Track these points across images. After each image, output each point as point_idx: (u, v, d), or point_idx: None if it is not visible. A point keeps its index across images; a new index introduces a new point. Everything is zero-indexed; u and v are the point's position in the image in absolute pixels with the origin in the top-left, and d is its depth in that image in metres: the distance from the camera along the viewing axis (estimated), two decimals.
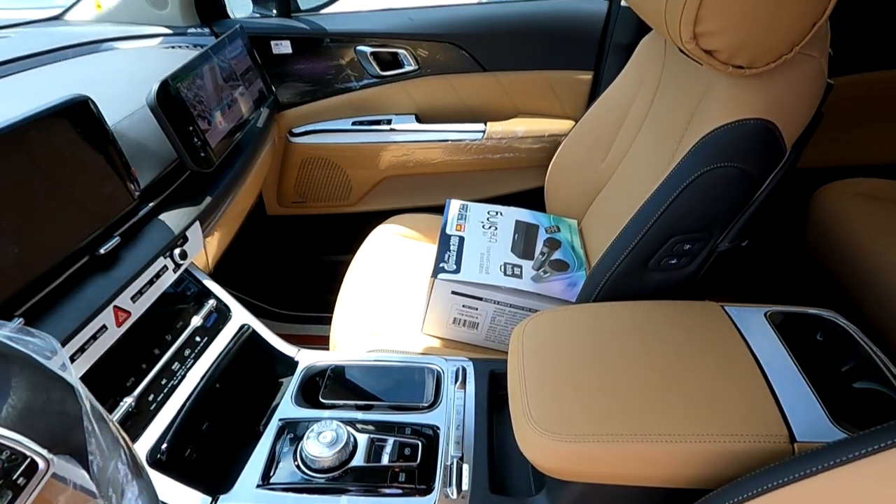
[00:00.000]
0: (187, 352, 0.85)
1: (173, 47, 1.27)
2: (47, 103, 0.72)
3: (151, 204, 0.88)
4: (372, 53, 1.41)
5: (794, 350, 0.76)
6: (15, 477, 0.39)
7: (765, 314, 0.82)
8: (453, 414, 0.85)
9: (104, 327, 0.72)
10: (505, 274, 1.06)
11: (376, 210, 1.55)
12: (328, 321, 1.17)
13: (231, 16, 1.44)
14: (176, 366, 0.83)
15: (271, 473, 0.77)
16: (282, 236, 1.65)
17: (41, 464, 0.41)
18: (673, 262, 0.87)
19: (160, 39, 1.28)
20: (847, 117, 1.42)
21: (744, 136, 0.77)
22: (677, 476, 0.65)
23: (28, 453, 0.40)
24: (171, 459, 0.76)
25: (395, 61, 1.43)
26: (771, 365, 0.72)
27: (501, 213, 1.25)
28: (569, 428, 0.66)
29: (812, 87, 0.78)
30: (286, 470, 0.77)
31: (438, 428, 0.83)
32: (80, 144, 0.76)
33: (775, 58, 0.74)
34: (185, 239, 0.89)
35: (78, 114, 0.76)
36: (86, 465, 0.43)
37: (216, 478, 0.77)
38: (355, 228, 1.48)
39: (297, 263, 1.68)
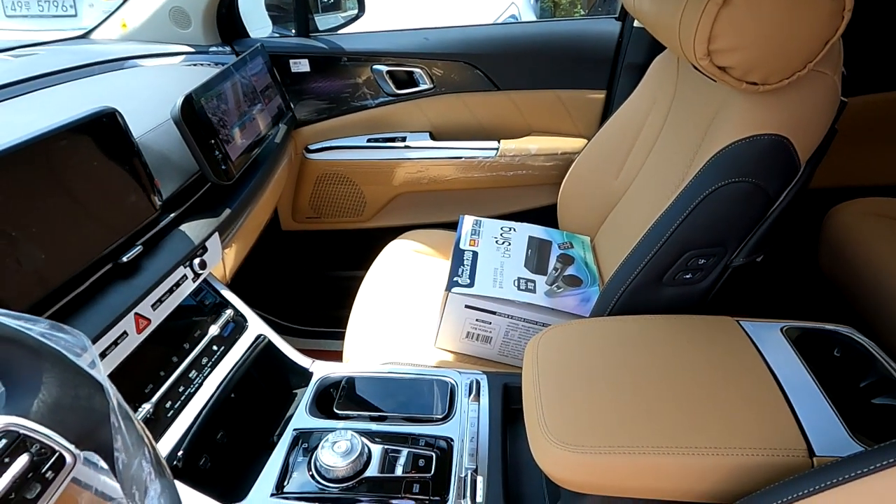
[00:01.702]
0: (204, 360, 0.86)
1: (195, 65, 1.30)
2: (77, 115, 0.74)
3: (173, 215, 0.90)
4: (388, 72, 1.43)
5: (811, 365, 0.75)
6: (43, 470, 0.40)
7: (781, 329, 0.81)
8: (467, 426, 0.85)
9: (125, 333, 0.73)
10: (518, 288, 1.07)
11: (390, 226, 1.57)
12: (341, 336, 1.18)
13: (251, 36, 1.48)
14: (193, 374, 0.84)
15: (285, 482, 0.77)
16: (296, 251, 1.66)
17: (68, 458, 0.42)
18: (687, 276, 0.88)
19: (182, 57, 1.32)
20: (861, 137, 1.42)
21: (759, 151, 0.78)
22: (693, 489, 0.65)
23: (56, 448, 0.41)
24: (186, 467, 0.76)
25: (410, 80, 1.45)
26: (788, 379, 0.72)
27: (515, 229, 1.26)
28: (585, 439, 0.66)
29: (825, 103, 0.79)
30: (300, 479, 0.77)
31: (452, 440, 0.83)
32: (107, 155, 0.78)
33: (789, 74, 0.75)
34: (205, 249, 0.91)
35: (106, 126, 0.78)
36: (111, 461, 0.44)
37: (230, 486, 0.77)
38: (369, 244, 1.49)
39: (311, 279, 1.69)
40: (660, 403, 0.70)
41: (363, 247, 1.54)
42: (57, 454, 0.41)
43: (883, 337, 1.07)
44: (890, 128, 1.44)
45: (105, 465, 0.45)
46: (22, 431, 0.39)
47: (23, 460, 0.39)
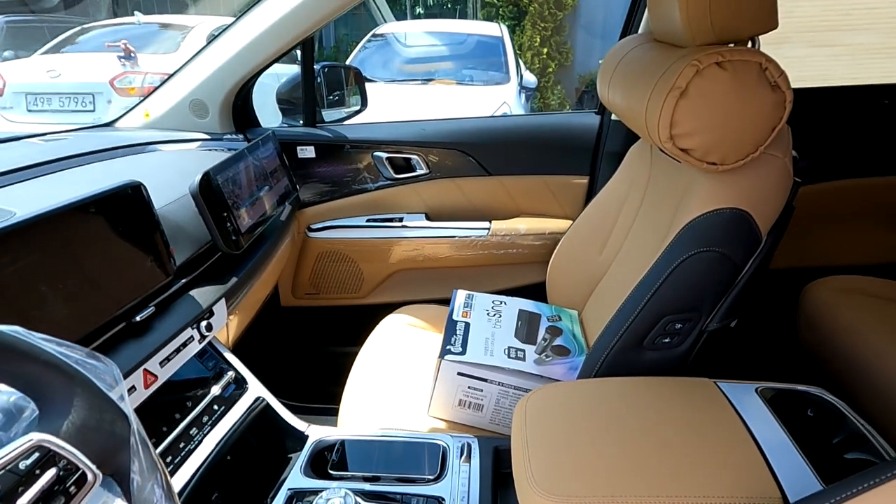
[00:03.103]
0: (205, 419, 0.89)
1: (211, 150, 1.41)
2: (107, 186, 0.82)
3: (184, 280, 0.96)
4: (387, 158, 1.55)
5: (785, 423, 0.79)
6: (68, 485, 0.44)
7: (756, 390, 0.86)
8: (458, 486, 0.87)
9: (133, 388, 0.77)
10: (509, 357, 1.11)
11: (386, 302, 1.62)
12: (335, 412, 1.20)
13: (262, 126, 1.61)
14: (194, 431, 0.87)
15: None
16: (293, 327, 1.71)
17: (90, 476, 0.45)
18: (666, 340, 0.93)
19: (199, 143, 1.43)
20: (831, 220, 1.53)
21: (721, 223, 0.87)
22: None
23: (80, 465, 0.45)
24: None
25: (408, 166, 1.57)
26: (763, 434, 0.76)
27: (505, 303, 1.32)
28: (569, 489, 0.69)
29: (779, 182, 0.88)
30: None
31: (444, 499, 0.85)
32: (130, 223, 0.85)
33: (743, 156, 0.84)
34: (212, 314, 0.96)
35: (131, 197, 0.86)
36: (126, 485, 0.48)
37: None
38: (365, 320, 1.54)
39: (308, 354, 1.73)
40: (641, 456, 0.73)
41: (360, 323, 1.59)
42: (80, 472, 0.45)
43: (857, 401, 1.11)
44: (856, 212, 1.55)
45: (120, 490, 0.48)
46: (52, 448, 0.44)
47: (50, 473, 0.43)
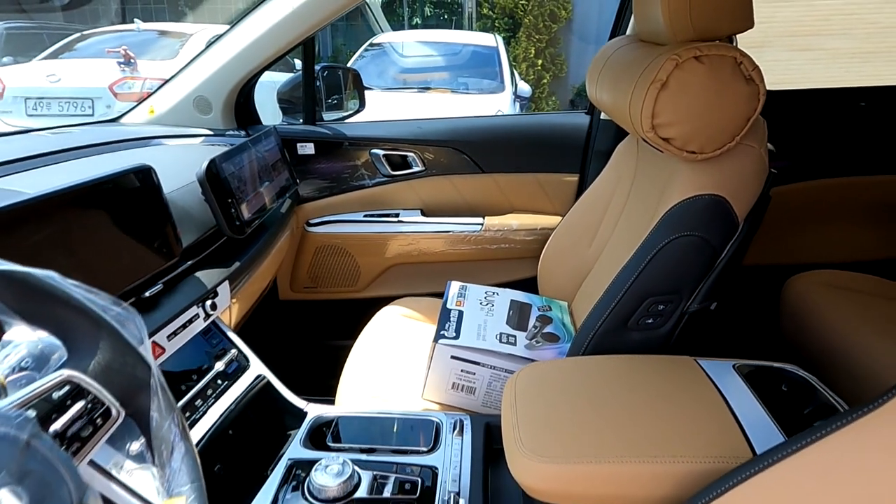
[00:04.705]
0: (209, 391, 0.93)
1: (213, 145, 1.46)
2: (120, 167, 0.87)
3: (190, 262, 1.00)
4: (384, 156, 1.61)
5: (760, 396, 0.84)
6: (95, 416, 0.48)
7: (733, 366, 0.91)
8: (451, 457, 0.91)
9: None
10: (500, 341, 1.16)
11: (382, 296, 1.67)
12: (332, 403, 1.24)
13: (263, 123, 1.66)
14: (199, 402, 0.90)
15: (280, 503, 0.82)
16: (291, 320, 1.75)
17: (114, 412, 0.50)
18: (649, 321, 0.98)
19: (202, 139, 1.48)
20: (813, 218, 1.60)
21: (701, 208, 0.92)
22: (651, 496, 0.71)
23: (105, 401, 0.49)
24: None
25: (404, 163, 1.62)
26: (738, 403, 0.81)
27: (497, 294, 1.37)
28: (554, 451, 0.73)
29: (755, 170, 0.94)
30: (294, 500, 0.82)
31: (437, 468, 0.89)
32: (140, 204, 0.90)
33: (720, 146, 0.90)
34: (216, 294, 1.00)
35: (141, 179, 0.91)
36: (146, 423, 0.52)
37: None
38: (362, 314, 1.58)
39: (304, 347, 1.76)
40: (622, 423, 0.78)
41: (356, 316, 1.63)
42: (105, 407, 0.49)
43: (832, 384, 1.16)
44: (835, 211, 1.61)
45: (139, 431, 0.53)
46: (81, 383, 0.48)
47: (79, 405, 0.48)
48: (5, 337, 0.52)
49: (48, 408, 0.45)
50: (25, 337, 0.52)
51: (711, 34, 0.92)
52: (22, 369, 0.50)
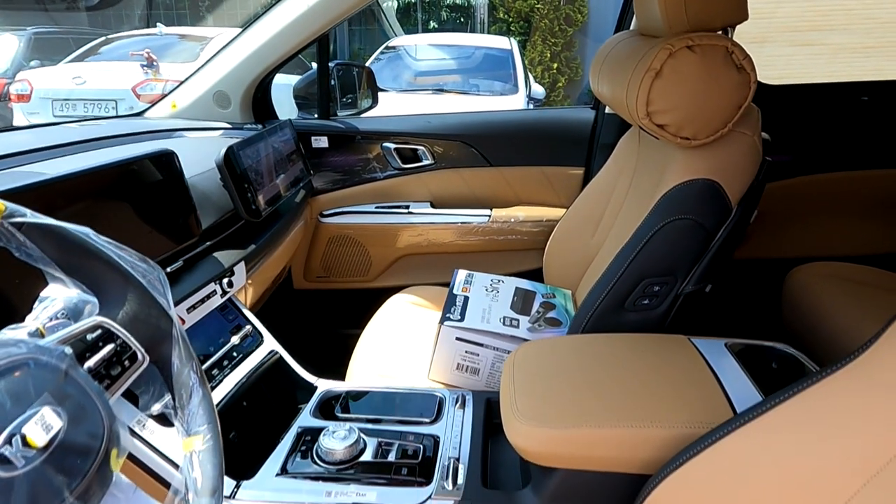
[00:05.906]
0: (225, 363, 0.99)
1: (232, 138, 1.53)
2: (145, 150, 0.93)
3: (209, 242, 1.06)
4: (395, 149, 1.66)
5: (751, 373, 0.87)
6: (123, 359, 0.54)
7: (725, 344, 0.94)
8: (452, 428, 0.96)
9: None
10: (504, 324, 1.20)
11: (392, 286, 1.72)
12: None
13: (279, 117, 1.73)
14: (215, 372, 0.96)
15: (289, 465, 0.87)
16: (304, 309, 1.80)
17: (140, 357, 0.55)
18: (645, 302, 1.02)
19: (221, 132, 1.55)
20: (816, 212, 1.62)
21: (695, 192, 0.96)
22: (640, 458, 0.75)
23: (133, 347, 0.55)
24: None
25: (414, 156, 1.68)
26: (725, 375, 0.84)
27: (503, 282, 1.41)
28: (549, 416, 0.78)
29: (747, 156, 0.97)
30: (303, 463, 0.87)
31: (439, 437, 0.93)
32: (164, 185, 0.96)
33: (713, 132, 0.94)
34: (233, 273, 1.06)
35: (164, 163, 0.97)
36: (168, 370, 0.57)
37: (240, 469, 0.87)
38: (371, 303, 1.64)
39: (316, 334, 1.82)
40: (615, 390, 0.82)
41: (367, 306, 1.68)
42: (132, 351, 0.55)
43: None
44: (837, 204, 1.63)
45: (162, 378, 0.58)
46: (111, 329, 0.54)
47: (109, 347, 0.53)
48: (43, 293, 0.58)
49: (82, 347, 0.51)
50: (62, 293, 0.58)
51: (706, 26, 0.96)
52: (58, 318, 0.55)
